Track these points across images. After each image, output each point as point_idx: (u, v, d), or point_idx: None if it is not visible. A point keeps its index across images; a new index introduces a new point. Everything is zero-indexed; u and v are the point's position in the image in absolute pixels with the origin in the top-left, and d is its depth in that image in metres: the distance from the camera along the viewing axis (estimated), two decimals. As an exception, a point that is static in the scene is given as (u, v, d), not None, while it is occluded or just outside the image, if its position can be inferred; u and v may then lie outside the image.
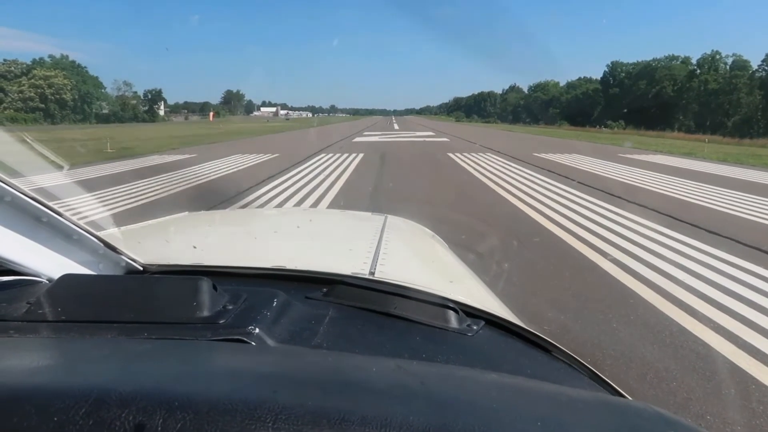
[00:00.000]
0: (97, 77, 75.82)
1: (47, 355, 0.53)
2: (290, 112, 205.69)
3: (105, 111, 75.11)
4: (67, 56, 73.87)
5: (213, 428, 0.35)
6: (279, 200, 8.93)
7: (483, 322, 0.81)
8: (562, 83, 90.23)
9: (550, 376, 0.73)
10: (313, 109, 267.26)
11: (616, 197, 8.96)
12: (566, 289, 4.34)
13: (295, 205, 8.36)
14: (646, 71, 67.96)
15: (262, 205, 8.39)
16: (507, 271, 4.67)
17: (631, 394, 0.77)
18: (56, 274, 0.71)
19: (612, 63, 75.61)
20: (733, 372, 2.94)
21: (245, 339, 0.59)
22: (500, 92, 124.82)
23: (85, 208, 6.48)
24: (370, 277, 0.98)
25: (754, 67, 56.25)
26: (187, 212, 1.99)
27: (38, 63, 69.50)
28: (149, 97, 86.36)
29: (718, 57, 61.60)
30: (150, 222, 1.63)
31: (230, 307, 0.66)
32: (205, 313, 0.63)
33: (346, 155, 17.20)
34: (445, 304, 0.81)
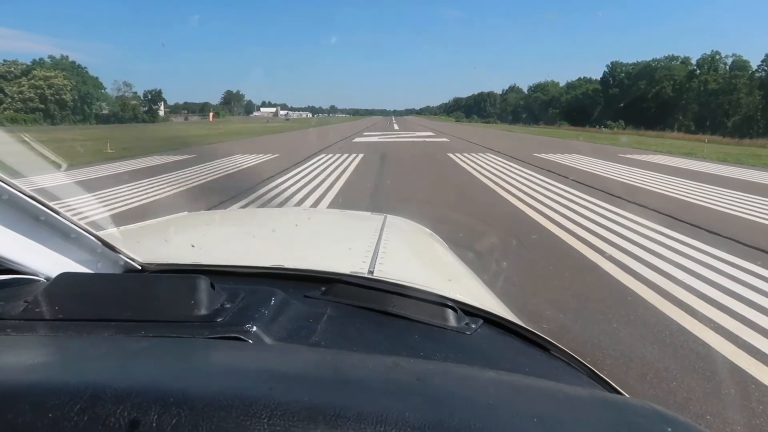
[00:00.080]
0: (97, 78, 75.87)
1: (44, 352, 0.53)
2: (290, 112, 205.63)
3: (105, 111, 75.10)
4: (66, 57, 73.93)
5: (208, 424, 0.35)
6: (279, 200, 8.94)
7: (481, 321, 0.81)
8: (562, 83, 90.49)
9: (548, 374, 0.73)
10: (313, 110, 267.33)
11: (616, 197, 8.97)
12: (566, 289, 4.34)
13: (295, 206, 8.36)
14: (646, 71, 68.00)
15: (261, 206, 8.40)
16: (506, 271, 4.67)
17: (630, 394, 0.77)
18: (54, 273, 0.71)
19: (612, 63, 75.72)
20: (732, 372, 2.95)
21: (242, 337, 0.59)
22: (500, 92, 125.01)
23: (85, 208, 6.48)
24: (369, 276, 0.98)
25: (754, 67, 56.38)
26: (186, 212, 2.00)
27: (38, 63, 69.50)
28: (149, 97, 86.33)
29: (717, 57, 61.66)
30: (149, 222, 1.63)
31: (228, 306, 0.66)
32: (203, 311, 0.63)
33: (346, 155, 17.20)
34: (443, 302, 0.81)
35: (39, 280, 0.75)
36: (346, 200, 8.92)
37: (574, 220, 7.17)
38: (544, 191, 9.81)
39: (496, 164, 15.09)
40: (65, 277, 0.69)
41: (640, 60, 72.64)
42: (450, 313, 0.79)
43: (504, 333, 0.84)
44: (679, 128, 53.71)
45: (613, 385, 0.79)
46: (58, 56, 73.37)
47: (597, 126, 59.36)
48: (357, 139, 28.58)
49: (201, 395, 0.38)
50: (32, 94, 62.72)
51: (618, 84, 72.28)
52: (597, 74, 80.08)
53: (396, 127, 57.39)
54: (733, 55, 61.05)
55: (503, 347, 0.80)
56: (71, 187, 7.74)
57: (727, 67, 60.34)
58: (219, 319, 0.62)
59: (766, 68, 53.94)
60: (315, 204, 8.64)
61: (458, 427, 0.37)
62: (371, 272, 1.02)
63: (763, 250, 5.57)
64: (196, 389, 0.39)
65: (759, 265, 4.94)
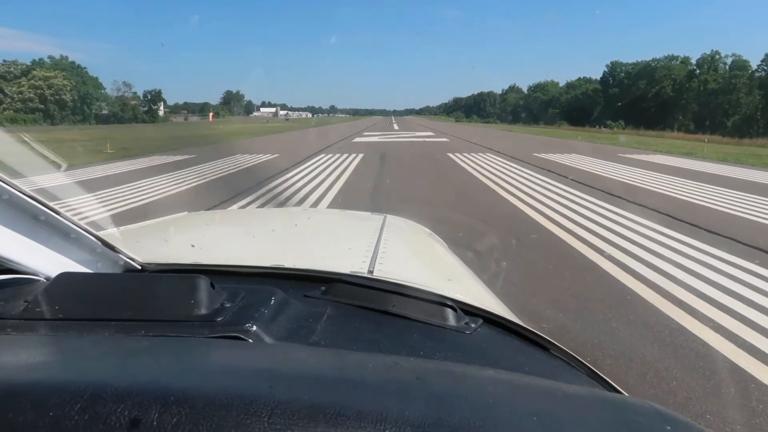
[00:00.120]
0: (96, 78, 75.83)
1: (44, 352, 0.53)
2: (290, 112, 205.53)
3: (105, 112, 75.04)
4: (66, 57, 73.86)
5: (208, 423, 0.35)
6: (279, 200, 8.94)
7: (481, 320, 0.81)
8: (562, 83, 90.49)
9: (547, 374, 0.73)
10: (313, 110, 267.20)
11: (615, 197, 8.97)
12: (566, 289, 4.34)
13: (294, 206, 8.36)
14: (646, 71, 68.00)
15: (261, 206, 8.40)
16: (506, 270, 4.67)
17: (630, 393, 0.77)
18: (54, 273, 0.71)
19: (611, 63, 75.72)
20: (732, 371, 2.95)
21: (242, 336, 0.59)
22: (500, 92, 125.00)
23: (85, 208, 6.48)
24: (369, 276, 0.98)
25: (754, 67, 56.42)
26: (186, 212, 2.00)
27: (38, 64, 69.44)
28: (149, 97, 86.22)
29: (717, 57, 61.68)
30: (149, 222, 1.63)
31: (228, 305, 0.66)
32: (203, 311, 0.63)
33: (345, 155, 17.21)
34: (443, 302, 0.81)
35: (39, 280, 0.75)
36: (346, 200, 8.92)
37: (573, 219, 7.17)
38: (543, 191, 9.81)
39: (496, 164, 15.09)
40: (65, 277, 0.69)
41: (639, 60, 72.79)
42: (450, 312, 0.79)
43: (504, 332, 0.84)
44: (678, 128, 53.73)
45: (613, 384, 0.79)
46: (57, 56, 73.42)
47: (597, 126, 59.37)
48: (357, 139, 28.57)
49: (201, 394, 0.38)
50: (32, 95, 62.68)
51: (618, 84, 72.28)
52: (597, 74, 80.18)
53: (396, 127, 57.38)
54: (733, 54, 61.20)
55: (503, 347, 0.80)
56: (71, 187, 7.73)
57: (727, 67, 60.36)
58: (219, 319, 0.62)
59: (765, 68, 53.99)
60: (315, 204, 8.64)
61: (458, 426, 0.37)
62: (371, 272, 1.02)
63: (762, 250, 5.57)
64: (197, 388, 0.39)
65: (758, 265, 4.95)
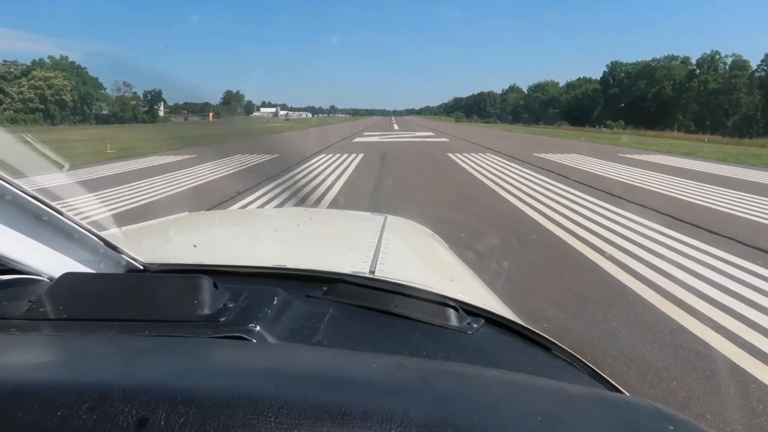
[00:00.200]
0: (96, 78, 75.79)
1: (49, 352, 0.53)
2: (290, 112, 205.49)
3: (105, 112, 75.03)
4: (66, 57, 73.78)
5: (215, 422, 0.35)
6: (279, 200, 8.93)
7: (483, 321, 0.82)
8: (562, 83, 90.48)
9: (549, 373, 0.74)
10: (313, 110, 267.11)
11: (615, 197, 8.97)
12: (566, 289, 4.35)
13: (295, 206, 8.36)
14: (646, 71, 67.99)
15: (261, 206, 8.40)
16: (507, 271, 4.67)
17: (631, 393, 0.77)
18: (57, 273, 0.72)
19: (612, 63, 75.73)
20: (733, 371, 2.95)
21: (246, 336, 0.59)
22: (500, 92, 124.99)
23: (87, 208, 6.48)
24: (371, 276, 0.98)
25: (754, 67, 56.42)
26: (187, 212, 2.00)
27: (38, 64, 69.40)
28: (149, 97, 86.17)
29: (717, 57, 61.67)
30: (150, 222, 1.63)
31: (231, 305, 0.66)
32: (206, 311, 0.64)
33: (346, 155, 17.20)
34: (444, 302, 0.81)
35: (42, 280, 0.75)
36: (347, 200, 8.92)
37: (574, 219, 7.17)
38: (544, 191, 9.81)
39: (496, 164, 15.09)
40: (68, 277, 0.69)
41: (639, 60, 72.79)
42: (452, 312, 0.79)
43: (505, 332, 0.84)
44: (678, 128, 53.72)
45: (614, 384, 0.79)
46: (57, 56, 73.37)
47: (597, 126, 59.34)
48: (357, 139, 28.57)
49: (207, 394, 0.38)
50: (32, 95, 62.67)
51: (618, 84, 72.28)
52: (597, 74, 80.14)
53: (396, 127, 57.37)
54: (733, 54, 61.20)
55: (505, 347, 0.80)
56: (72, 186, 7.73)
57: (727, 67, 60.35)
58: (222, 319, 0.62)
59: (765, 68, 53.99)
60: (316, 204, 8.65)
61: (463, 426, 0.38)
62: (372, 272, 1.02)
63: (762, 250, 5.57)
64: (202, 388, 0.39)
65: (759, 264, 4.95)
